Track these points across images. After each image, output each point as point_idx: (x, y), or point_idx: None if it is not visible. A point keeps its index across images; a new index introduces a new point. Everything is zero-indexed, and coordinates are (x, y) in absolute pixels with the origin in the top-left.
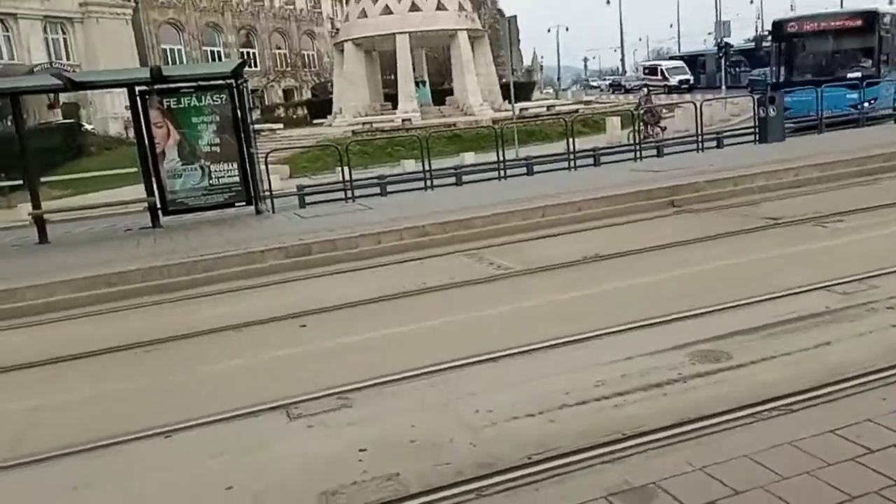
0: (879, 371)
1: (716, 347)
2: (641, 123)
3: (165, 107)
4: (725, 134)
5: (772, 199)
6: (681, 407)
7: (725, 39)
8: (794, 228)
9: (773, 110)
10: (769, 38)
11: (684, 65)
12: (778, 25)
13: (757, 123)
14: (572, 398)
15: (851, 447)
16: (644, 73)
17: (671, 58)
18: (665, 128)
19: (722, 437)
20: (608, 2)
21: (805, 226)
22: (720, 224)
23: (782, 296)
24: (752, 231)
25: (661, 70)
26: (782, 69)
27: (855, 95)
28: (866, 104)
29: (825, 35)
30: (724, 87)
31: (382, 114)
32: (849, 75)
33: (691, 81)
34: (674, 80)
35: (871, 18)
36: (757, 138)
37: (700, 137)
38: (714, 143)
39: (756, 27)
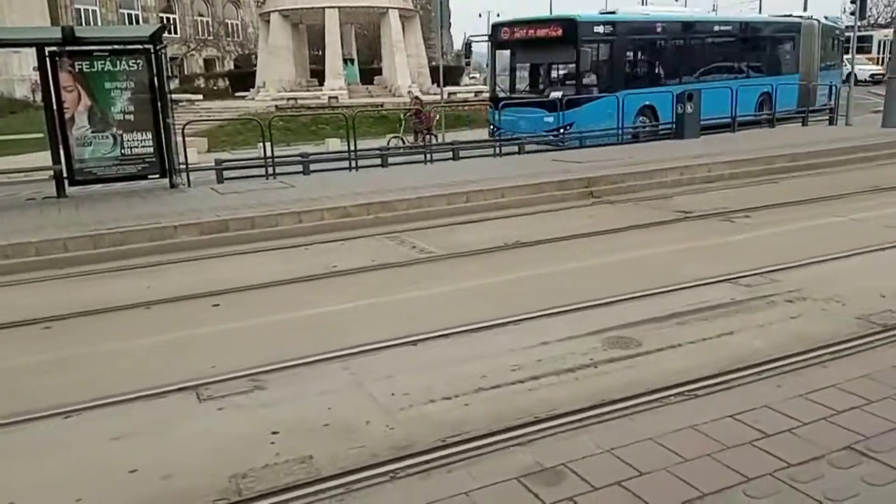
0: (777, 360)
1: (627, 334)
2: (412, 131)
3: (77, 70)
4: (643, 129)
5: (685, 192)
6: (592, 391)
7: None
8: (704, 222)
9: (691, 107)
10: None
11: None
12: (494, 29)
13: (674, 120)
14: (488, 382)
15: (749, 431)
16: None
17: None
18: (436, 135)
19: (629, 421)
20: None
21: (714, 220)
22: (635, 215)
23: (691, 286)
24: (664, 223)
25: None
26: (497, 81)
27: (551, 119)
28: (563, 129)
29: (531, 45)
30: None
31: (308, 90)
32: (552, 94)
33: None
34: None
35: (570, 27)
36: (674, 134)
37: (620, 131)
38: (633, 138)
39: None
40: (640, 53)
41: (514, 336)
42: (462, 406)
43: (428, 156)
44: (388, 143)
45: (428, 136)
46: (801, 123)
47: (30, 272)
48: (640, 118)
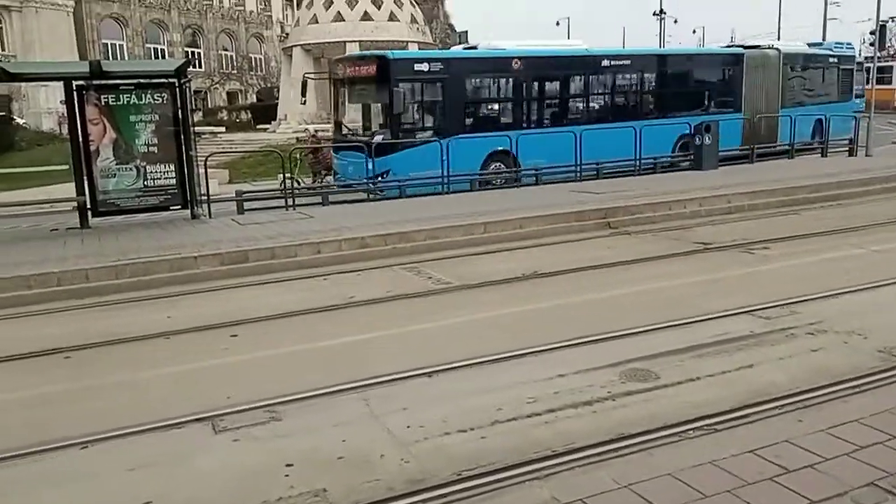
0: (797, 394)
1: (645, 367)
2: (310, 171)
3: (103, 103)
4: (662, 160)
5: (704, 224)
6: (610, 425)
7: None
8: (724, 254)
9: (709, 139)
10: None
11: None
12: (331, 65)
13: (692, 151)
14: (504, 414)
15: (770, 467)
16: None
17: None
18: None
19: (648, 456)
20: (557, 23)
21: (733, 251)
22: (654, 247)
23: (710, 319)
24: (683, 255)
25: None
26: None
27: (371, 164)
28: (380, 178)
29: (356, 83)
30: None
31: (329, 122)
32: (375, 138)
33: None
34: None
35: (383, 65)
36: (692, 165)
37: (638, 162)
38: (651, 169)
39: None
40: (486, 93)
41: (531, 368)
42: (478, 439)
43: (445, 186)
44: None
45: (326, 178)
46: (820, 154)
47: (52, 302)
48: (496, 164)
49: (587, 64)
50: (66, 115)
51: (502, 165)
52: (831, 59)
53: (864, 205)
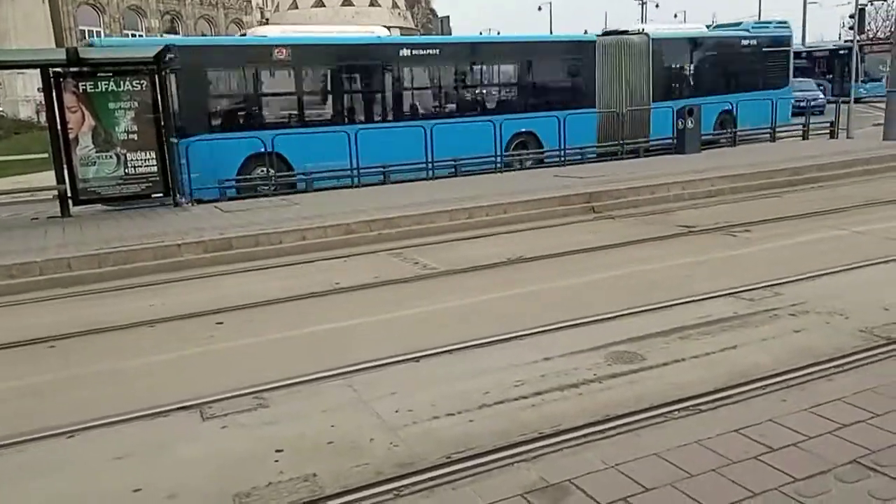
0: (781, 374)
1: (630, 349)
2: None
3: (81, 91)
4: (645, 144)
5: (687, 207)
6: (596, 406)
7: None
8: (707, 236)
9: (692, 122)
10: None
11: None
12: None
13: (675, 135)
14: (492, 398)
15: (755, 446)
16: None
17: None
18: None
19: (634, 436)
20: (539, 8)
21: (716, 234)
22: (637, 230)
23: (694, 301)
24: (666, 238)
25: None
26: None
27: None
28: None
29: None
30: None
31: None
32: None
33: None
34: None
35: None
36: (675, 149)
37: (622, 146)
38: (634, 153)
39: None
40: (240, 87)
41: (517, 351)
42: (466, 422)
43: (430, 172)
44: None
45: None
46: (801, 137)
47: (34, 291)
48: (259, 169)
49: (378, 54)
50: (44, 102)
51: (265, 171)
52: (745, 43)
53: (845, 187)
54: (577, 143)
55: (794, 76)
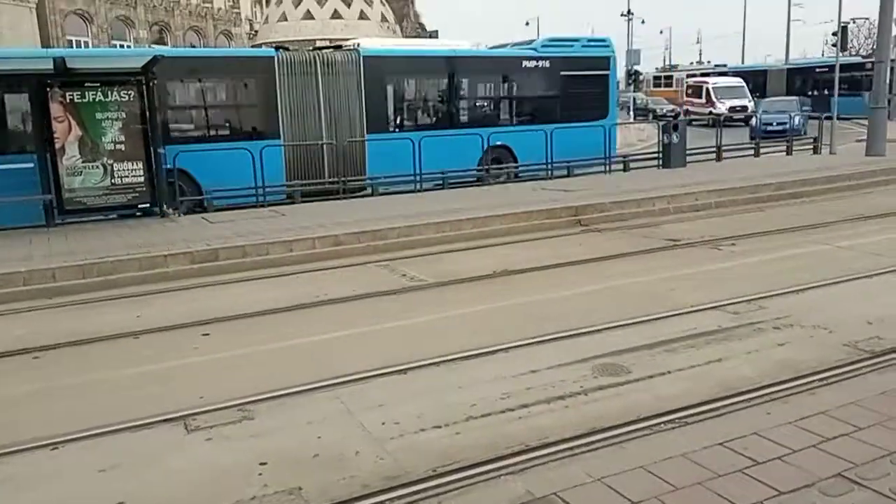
0: (765, 387)
1: (616, 361)
2: None
3: (68, 100)
4: (631, 158)
5: (672, 221)
6: (582, 419)
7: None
8: (692, 250)
9: (677, 137)
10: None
11: (743, 83)
12: None
13: (661, 150)
14: (478, 410)
15: (739, 459)
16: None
17: (723, 72)
18: None
19: (620, 449)
20: (527, 23)
21: (702, 248)
22: (623, 243)
23: (679, 314)
24: (652, 251)
25: (708, 90)
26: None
27: None
28: None
29: None
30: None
31: None
32: None
33: (750, 109)
34: (723, 107)
35: None
36: (661, 163)
37: (608, 161)
38: (621, 167)
39: (664, 58)
40: None
41: (504, 364)
42: (453, 435)
43: (417, 185)
44: None
45: None
46: (785, 153)
47: (18, 302)
48: None
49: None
50: (30, 112)
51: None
52: (530, 65)
53: (828, 202)
54: (268, 180)
55: (793, 92)
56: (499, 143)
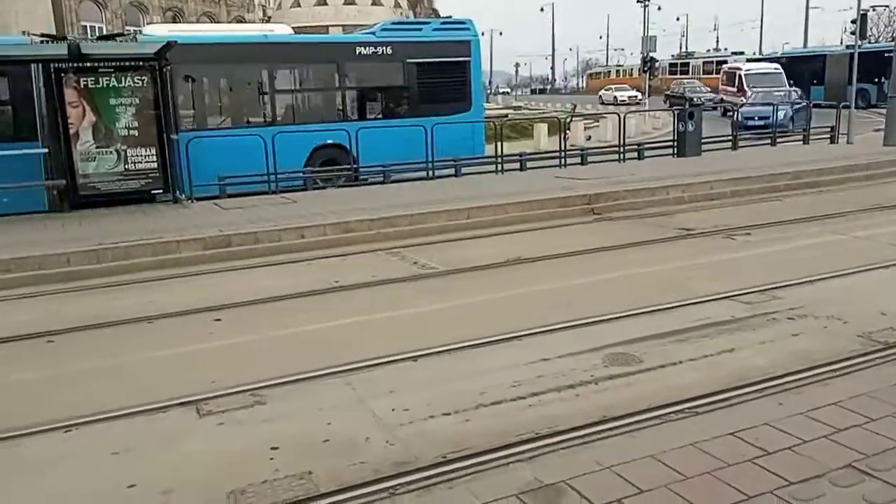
0: (777, 378)
1: (628, 351)
2: None
3: (82, 86)
4: (646, 146)
5: (687, 210)
6: (592, 408)
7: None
8: (706, 239)
9: (692, 125)
10: None
11: (780, 70)
12: None
13: (676, 138)
14: (488, 398)
15: (750, 449)
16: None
17: (758, 58)
18: None
19: (630, 438)
20: (542, 9)
21: (716, 237)
22: (637, 232)
23: (692, 303)
24: (666, 240)
25: (741, 76)
26: None
27: None
28: None
29: None
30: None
31: None
32: None
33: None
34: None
35: None
36: (675, 152)
37: (622, 149)
38: (635, 155)
39: (680, 44)
40: None
41: (515, 352)
42: (462, 422)
43: (430, 172)
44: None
45: None
46: (802, 142)
47: (33, 286)
48: None
49: None
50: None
51: None
52: (365, 52)
53: (845, 191)
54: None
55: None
56: (329, 141)
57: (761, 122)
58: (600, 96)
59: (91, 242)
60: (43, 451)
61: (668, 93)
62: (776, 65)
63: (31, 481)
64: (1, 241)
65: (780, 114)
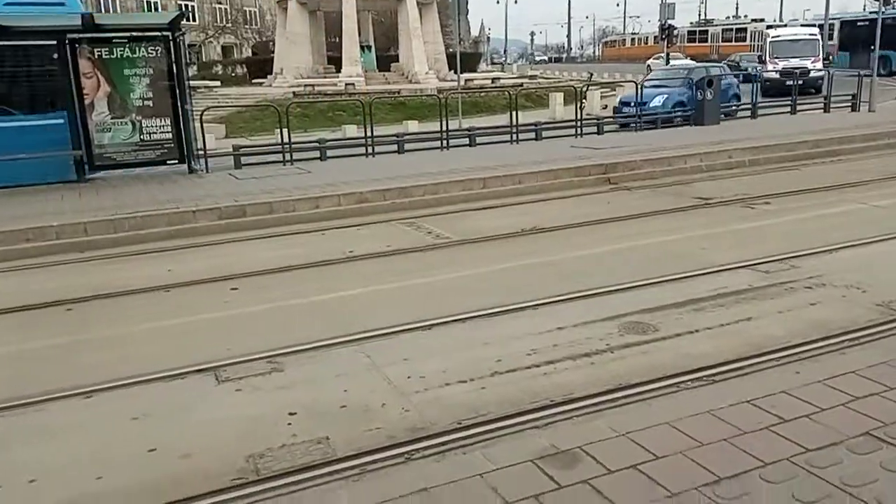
0: (795, 346)
1: (643, 320)
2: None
3: (97, 56)
4: (662, 115)
5: (704, 179)
6: (608, 376)
7: None
8: (724, 209)
9: (711, 94)
10: None
11: (816, 36)
12: None
13: (694, 106)
14: (503, 366)
15: (767, 417)
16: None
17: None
18: None
19: (646, 405)
20: None
21: (734, 206)
22: (653, 202)
23: (709, 272)
24: (683, 210)
25: (765, 45)
26: None
27: None
28: None
29: None
30: None
31: (325, 77)
32: None
33: (814, 72)
34: (774, 67)
35: None
36: (693, 121)
37: (639, 118)
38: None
39: (699, 11)
40: None
41: (530, 321)
42: (478, 389)
43: (444, 142)
44: None
45: None
46: (822, 110)
47: (51, 255)
48: None
49: None
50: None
51: None
52: None
53: (866, 160)
54: None
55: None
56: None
57: (651, 111)
58: (648, 66)
59: (108, 212)
60: (65, 416)
61: (726, 62)
62: (813, 30)
63: (54, 446)
64: (19, 211)
65: (658, 100)
